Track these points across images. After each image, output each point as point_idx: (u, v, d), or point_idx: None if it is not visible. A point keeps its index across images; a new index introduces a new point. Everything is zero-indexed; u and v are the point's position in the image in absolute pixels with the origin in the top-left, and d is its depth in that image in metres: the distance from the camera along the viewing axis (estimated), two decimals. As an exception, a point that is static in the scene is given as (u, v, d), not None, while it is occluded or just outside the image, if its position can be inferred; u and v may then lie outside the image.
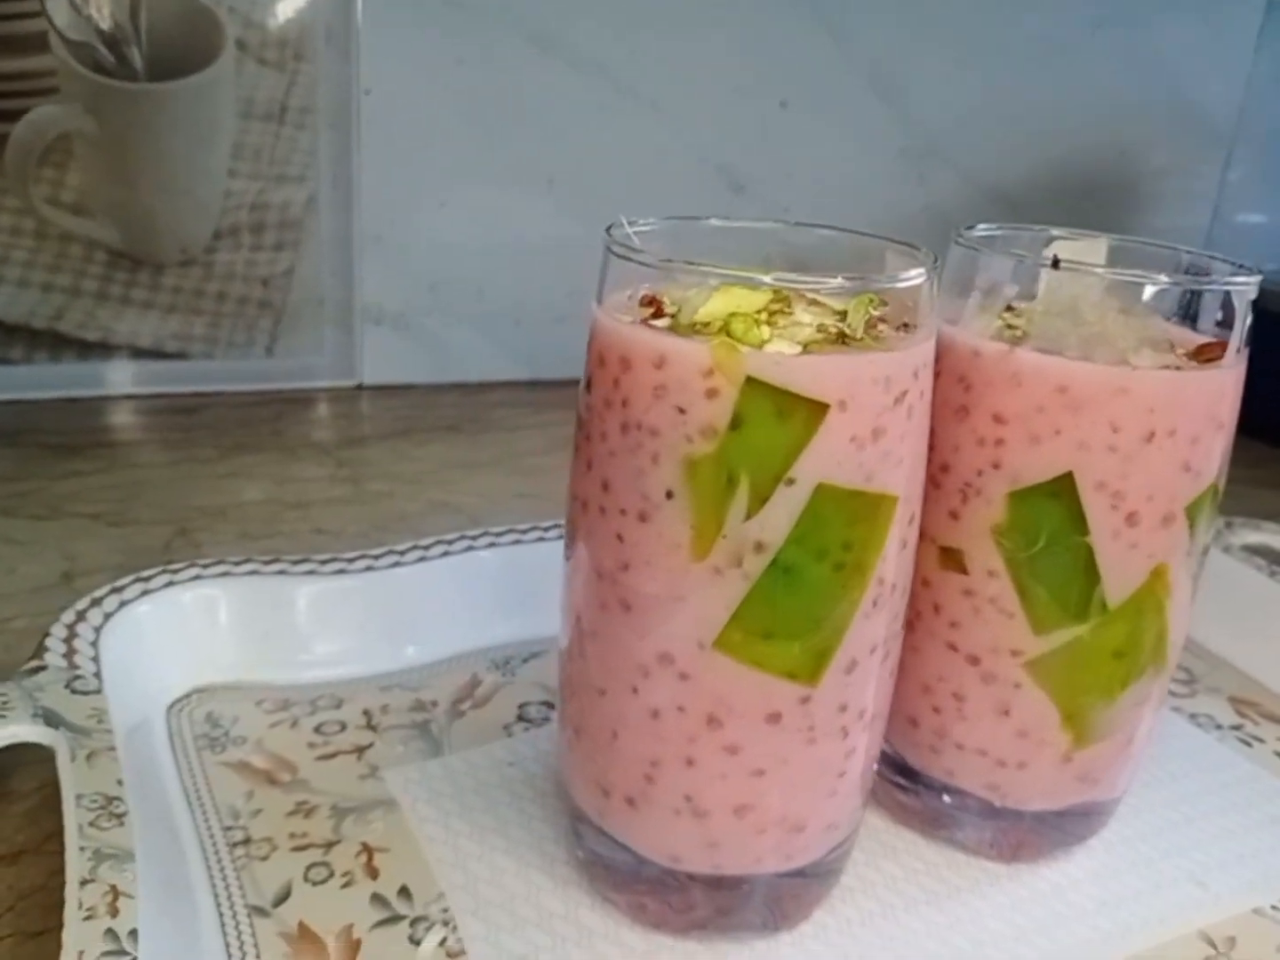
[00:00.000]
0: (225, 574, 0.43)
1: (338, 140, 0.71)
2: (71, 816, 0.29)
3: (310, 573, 0.44)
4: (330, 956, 0.31)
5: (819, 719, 0.29)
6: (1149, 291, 0.33)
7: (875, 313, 0.28)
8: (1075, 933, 0.34)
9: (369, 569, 0.45)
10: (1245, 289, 0.31)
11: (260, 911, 0.32)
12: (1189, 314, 0.34)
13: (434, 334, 0.77)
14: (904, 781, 0.37)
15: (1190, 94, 0.91)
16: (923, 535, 0.33)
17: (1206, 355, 0.32)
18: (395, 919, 0.32)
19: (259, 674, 0.42)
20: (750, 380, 0.26)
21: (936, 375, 0.33)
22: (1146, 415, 0.30)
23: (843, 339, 0.28)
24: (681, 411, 0.26)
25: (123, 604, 0.40)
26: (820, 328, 0.28)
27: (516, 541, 0.47)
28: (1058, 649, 0.33)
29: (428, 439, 0.69)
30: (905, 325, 0.29)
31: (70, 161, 0.66)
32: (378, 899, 0.33)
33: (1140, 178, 0.92)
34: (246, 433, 0.68)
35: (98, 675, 0.36)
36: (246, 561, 0.44)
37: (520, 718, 0.41)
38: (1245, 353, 0.32)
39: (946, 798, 0.36)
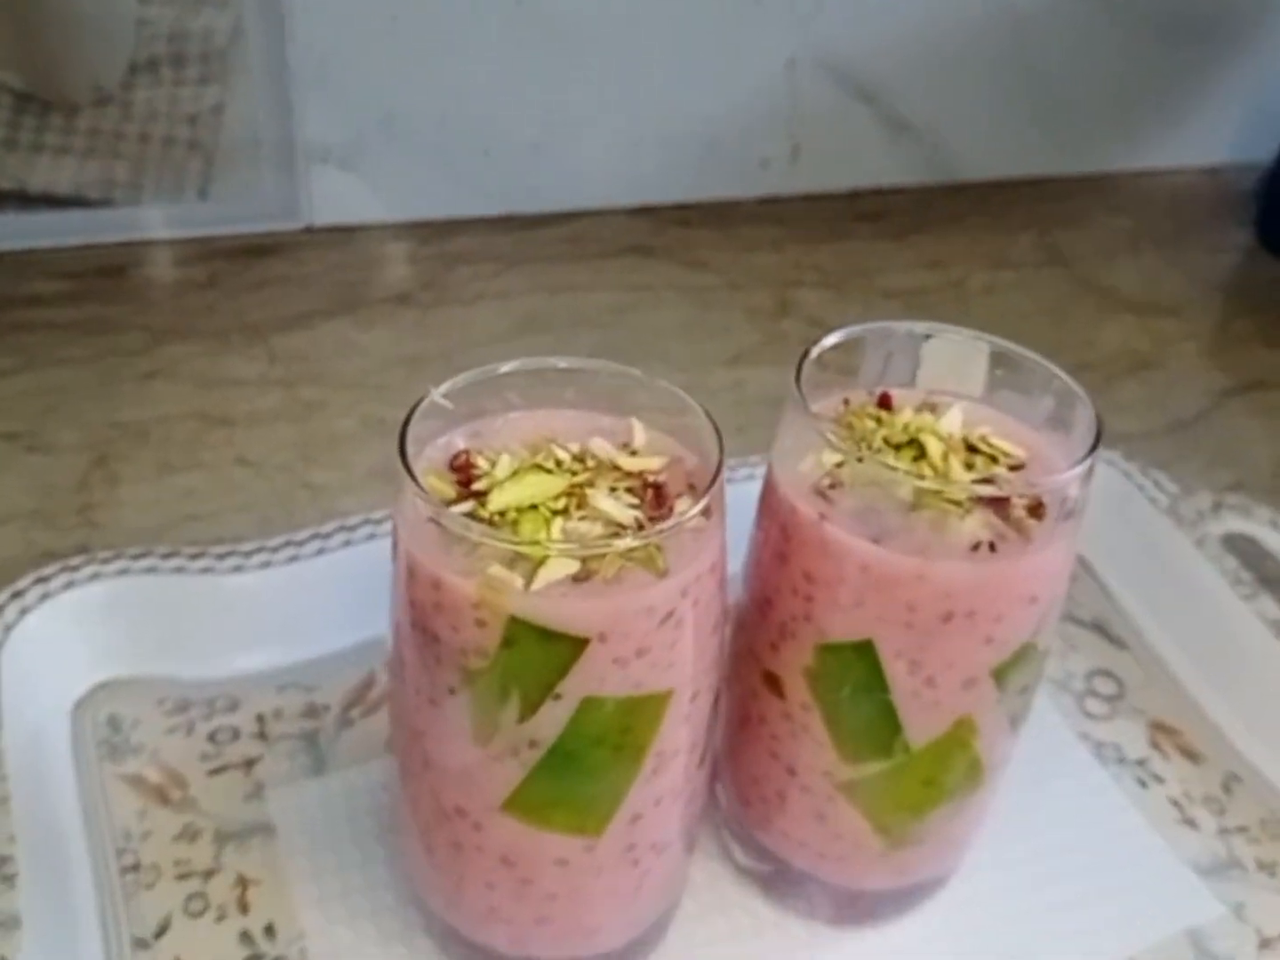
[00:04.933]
0: (124, 571, 0.54)
1: (265, -45, 0.75)
2: (-35, 882, 0.42)
3: (206, 570, 0.55)
4: (197, 994, 0.44)
5: (606, 860, 0.40)
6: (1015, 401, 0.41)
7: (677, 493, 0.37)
8: (873, 1001, 0.46)
9: (266, 565, 0.55)
10: (1062, 484, 0.38)
11: (143, 944, 0.45)
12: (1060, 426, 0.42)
13: (389, 170, 0.84)
14: (743, 845, 0.48)
15: None
16: (751, 652, 0.43)
17: (1034, 513, 0.39)
18: (257, 958, 0.45)
19: (161, 669, 0.54)
20: (514, 617, 0.35)
21: (767, 505, 0.41)
22: (943, 600, 0.38)
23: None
24: (456, 631, 0.36)
25: (23, 611, 0.52)
26: (608, 523, 0.36)
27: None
28: (866, 777, 0.42)
29: (373, 317, 0.78)
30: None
31: (-38, -3, 0.72)
32: (245, 936, 0.46)
33: None
34: (177, 308, 0.77)
35: (-5, 707, 0.49)
36: (145, 556, 0.55)
37: (405, 732, 0.53)
38: (1072, 525, 0.39)
39: (779, 867, 0.47)
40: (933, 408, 0.43)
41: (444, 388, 0.39)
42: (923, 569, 0.38)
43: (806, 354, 0.41)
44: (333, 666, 0.55)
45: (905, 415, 0.42)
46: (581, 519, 0.36)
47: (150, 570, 0.54)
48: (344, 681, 0.55)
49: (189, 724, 0.53)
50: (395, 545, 0.38)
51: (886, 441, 0.41)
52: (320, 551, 0.56)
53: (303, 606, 0.55)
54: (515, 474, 0.37)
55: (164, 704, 0.53)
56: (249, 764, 0.52)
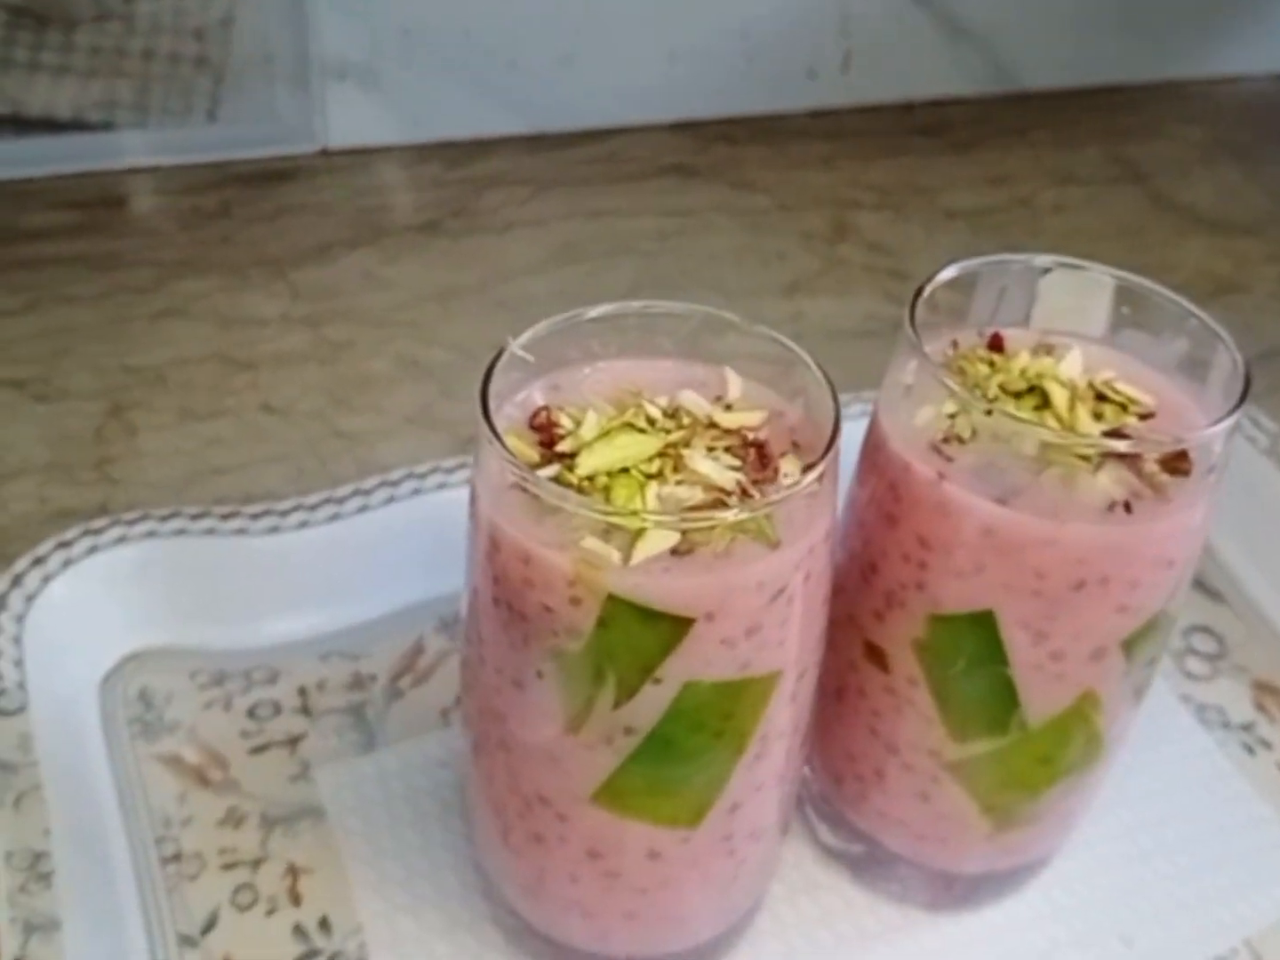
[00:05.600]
0: (151, 533, 0.52)
1: None
2: (1, 880, 0.40)
3: (240, 531, 0.52)
4: (252, 993, 0.43)
5: (701, 851, 0.38)
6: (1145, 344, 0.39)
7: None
8: (978, 988, 0.44)
9: (304, 525, 0.53)
10: (1209, 438, 0.36)
11: (189, 942, 0.44)
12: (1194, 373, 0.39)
13: (410, 87, 0.81)
14: (831, 825, 0.46)
15: None
16: (851, 621, 0.41)
17: (1172, 469, 0.37)
18: (313, 954, 0.44)
19: (193, 637, 0.52)
20: (612, 596, 0.32)
21: (872, 461, 0.39)
22: (1075, 565, 0.36)
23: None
24: (548, 609, 0.33)
25: (45, 579, 0.50)
26: (708, 488, 0.34)
27: (469, 481, 0.54)
28: (977, 756, 0.40)
29: (399, 248, 0.75)
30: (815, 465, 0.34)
31: (-53, -98, 0.69)
32: (299, 931, 0.44)
33: None
34: (189, 240, 0.74)
35: (22, 686, 0.47)
36: (173, 516, 0.52)
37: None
38: (1213, 481, 0.37)
39: (871, 848, 0.45)
40: (1049, 350, 0.40)
41: (523, 338, 0.36)
42: (1054, 532, 0.36)
43: (920, 292, 0.39)
44: (378, 632, 0.53)
45: (1021, 359, 0.39)
46: (679, 483, 0.34)
47: (180, 532, 0.52)
48: (391, 648, 0.53)
49: (226, 698, 0.51)
50: (474, 512, 0.35)
51: (1004, 389, 0.38)
52: (362, 509, 0.54)
53: (344, 568, 0.53)
54: (605, 434, 0.35)
55: (198, 677, 0.51)
56: (293, 741, 0.50)
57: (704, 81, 0.85)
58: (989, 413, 0.36)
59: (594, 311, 0.37)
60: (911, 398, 0.38)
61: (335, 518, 0.54)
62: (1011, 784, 0.41)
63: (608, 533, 0.32)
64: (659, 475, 0.34)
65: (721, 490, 0.34)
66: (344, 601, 0.53)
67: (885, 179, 0.83)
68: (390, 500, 0.55)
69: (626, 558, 0.32)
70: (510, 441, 0.35)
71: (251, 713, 0.50)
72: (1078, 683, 0.39)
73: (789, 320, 0.71)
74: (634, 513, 0.32)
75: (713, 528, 0.32)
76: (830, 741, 0.44)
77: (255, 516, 0.53)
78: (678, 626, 0.33)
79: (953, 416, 0.37)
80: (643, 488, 0.33)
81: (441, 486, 0.55)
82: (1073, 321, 0.41)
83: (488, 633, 0.36)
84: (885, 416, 0.39)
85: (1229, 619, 0.57)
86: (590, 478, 0.34)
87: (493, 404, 0.35)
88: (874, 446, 0.39)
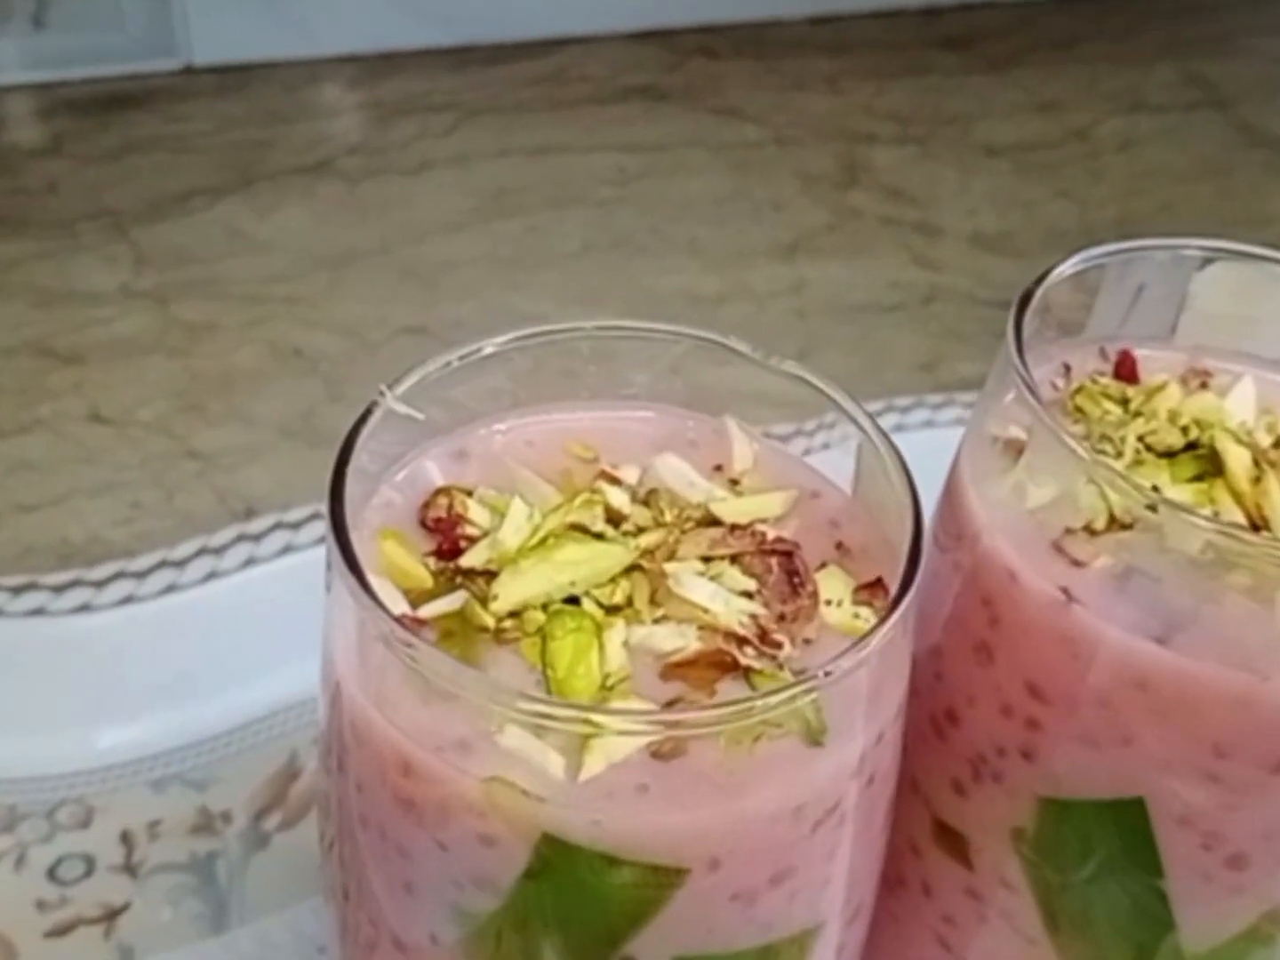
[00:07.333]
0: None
1: None
2: None
3: (37, 611, 0.44)
4: None
5: None
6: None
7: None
8: None
9: (128, 600, 0.44)
10: None
11: None
12: None
13: (298, -15, 0.72)
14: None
15: None
16: (915, 790, 0.32)
17: None
18: None
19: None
20: (550, 836, 0.22)
21: (951, 555, 0.29)
22: (1278, 738, 0.26)
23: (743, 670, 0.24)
24: (443, 848, 0.23)
25: None
26: (706, 629, 0.24)
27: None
28: (1101, 991, 0.31)
29: (280, 194, 0.66)
30: (879, 586, 0.25)
31: None
32: None
33: None
34: (8, 186, 0.65)
35: None
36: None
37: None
38: None
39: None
40: (1205, 379, 0.32)
41: (404, 385, 0.26)
42: (1247, 689, 0.27)
43: (1027, 299, 0.30)
44: (235, 749, 0.44)
45: (1169, 395, 0.30)
46: (659, 620, 0.25)
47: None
48: (251, 772, 0.44)
49: (18, 851, 0.42)
50: (327, 674, 0.25)
51: (1146, 445, 0.29)
52: (210, 576, 0.46)
53: (185, 659, 0.45)
54: (541, 542, 0.25)
55: (-18, 815, 0.42)
56: (111, 916, 0.40)
57: (676, -21, 0.78)
58: (1152, 508, 0.25)
59: (494, 343, 0.26)
60: (1018, 466, 0.28)
61: (172, 589, 0.45)
62: (1149, 1024, 0.31)
63: (543, 728, 0.22)
64: (627, 608, 0.25)
65: (728, 635, 0.24)
66: (185, 705, 0.44)
67: (905, 105, 0.76)
68: (249, 562, 0.46)
69: (575, 767, 0.22)
70: (388, 551, 0.26)
71: (53, 873, 0.41)
72: (1262, 897, 0.30)
73: (788, 292, 0.61)
74: (584, 714, 0.21)
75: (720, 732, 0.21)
76: (879, 942, 0.34)
77: (59, 590, 0.45)
78: (661, 881, 0.24)
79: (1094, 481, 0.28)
80: (600, 634, 0.24)
81: (321, 540, 0.45)
82: (1239, 335, 0.33)
83: (365, 865, 0.25)
84: (974, 488, 0.29)
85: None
86: (516, 613, 0.24)
87: (358, 487, 0.24)
88: (957, 532, 0.30)
